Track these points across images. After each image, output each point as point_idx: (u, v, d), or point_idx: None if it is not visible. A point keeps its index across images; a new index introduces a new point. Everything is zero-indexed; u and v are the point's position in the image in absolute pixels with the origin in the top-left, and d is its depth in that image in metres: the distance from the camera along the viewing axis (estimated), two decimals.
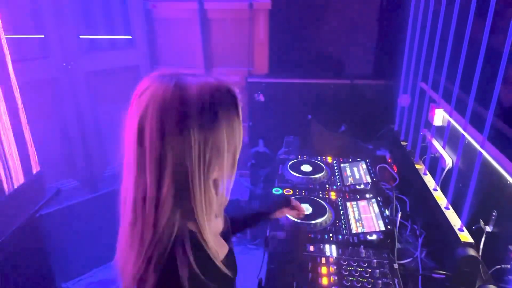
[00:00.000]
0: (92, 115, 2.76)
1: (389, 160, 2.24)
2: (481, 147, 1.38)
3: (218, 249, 0.88)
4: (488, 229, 1.48)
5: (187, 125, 0.74)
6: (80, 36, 2.58)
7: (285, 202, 1.45)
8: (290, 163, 2.08)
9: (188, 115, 0.75)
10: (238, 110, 0.82)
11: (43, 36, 2.45)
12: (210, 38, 2.86)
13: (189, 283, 0.76)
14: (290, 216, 1.58)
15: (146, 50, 2.95)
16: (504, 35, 1.21)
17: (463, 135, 1.53)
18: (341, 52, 2.77)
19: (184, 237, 0.79)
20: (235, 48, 2.84)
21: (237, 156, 0.85)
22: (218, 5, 2.77)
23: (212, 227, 0.88)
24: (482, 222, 1.51)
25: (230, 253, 0.97)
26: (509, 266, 1.28)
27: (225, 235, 1.01)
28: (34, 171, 2.18)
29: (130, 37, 2.86)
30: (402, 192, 1.91)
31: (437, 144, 1.93)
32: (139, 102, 0.78)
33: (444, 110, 1.86)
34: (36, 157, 2.21)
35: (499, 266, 1.30)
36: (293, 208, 1.46)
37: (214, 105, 0.77)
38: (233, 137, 0.82)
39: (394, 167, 2.15)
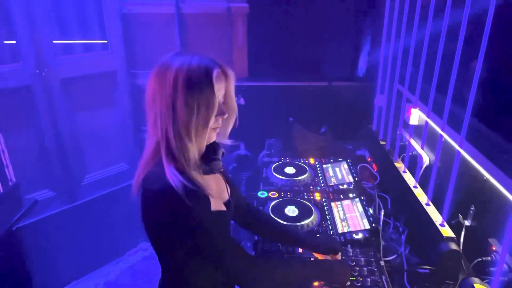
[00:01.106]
0: (68, 123, 2.69)
1: (369, 160, 2.30)
2: (460, 146, 1.44)
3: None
4: (467, 223, 1.54)
5: (176, 84, 0.96)
6: (54, 42, 2.51)
7: (335, 250, 1.37)
8: (274, 165, 2.10)
9: (169, 77, 0.97)
10: (212, 83, 0.98)
11: (14, 42, 2.37)
12: (188, 42, 2.84)
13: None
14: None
15: (123, 54, 2.90)
16: (479, 37, 1.26)
17: (441, 135, 1.59)
18: (319, 54, 2.82)
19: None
20: (214, 52, 2.81)
21: (210, 119, 1.01)
22: (196, 9, 2.76)
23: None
24: (461, 217, 1.57)
25: (226, 214, 1.15)
26: (489, 258, 1.34)
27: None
28: (10, 183, 2.10)
29: (106, 41, 2.80)
30: (383, 190, 1.96)
31: (414, 143, 2.00)
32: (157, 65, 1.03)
33: (420, 110, 1.93)
34: (11, 168, 2.13)
35: (480, 259, 1.36)
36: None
37: (190, 75, 0.96)
38: (203, 103, 0.98)
39: (374, 166, 2.20)
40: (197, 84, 0.96)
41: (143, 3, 2.79)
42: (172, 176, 0.96)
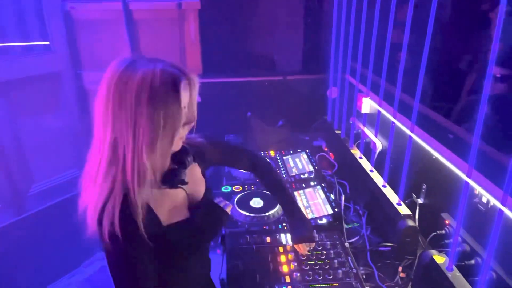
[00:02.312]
0: (10, 129, 2.50)
1: (326, 149, 2.38)
2: (411, 131, 1.54)
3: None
4: (420, 201, 1.65)
5: (130, 100, 0.89)
6: None
7: (310, 239, 1.37)
8: None
9: (126, 91, 0.89)
10: (177, 93, 0.92)
11: None
12: (138, 40, 2.75)
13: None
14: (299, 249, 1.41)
15: (67, 55, 2.75)
16: (424, 29, 1.35)
17: (393, 122, 1.68)
18: (272, 49, 2.86)
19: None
20: (166, 49, 2.77)
21: (177, 130, 0.96)
22: (145, 5, 2.68)
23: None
24: (414, 196, 1.68)
25: (187, 223, 1.10)
26: (443, 231, 1.44)
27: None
28: None
29: (48, 42, 2.64)
30: (341, 177, 2.04)
31: (367, 131, 2.10)
32: (104, 80, 0.93)
33: (371, 99, 2.03)
34: None
35: (435, 233, 1.46)
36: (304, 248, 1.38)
37: (155, 90, 0.89)
38: (166, 119, 0.91)
39: (331, 154, 2.28)
40: (163, 99, 0.90)
41: (87, 0, 2.66)
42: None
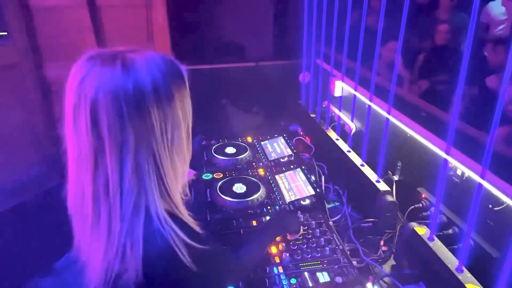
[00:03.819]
0: None
1: (301, 133, 2.42)
2: (388, 113, 1.59)
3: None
4: (396, 178, 1.73)
5: (146, 104, 0.74)
6: None
7: (298, 228, 1.45)
8: (214, 147, 2.09)
9: (145, 95, 0.74)
10: (185, 81, 0.84)
11: None
12: (103, 26, 2.64)
13: (190, 255, 0.77)
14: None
15: (26, 45, 2.59)
16: (400, 13, 1.39)
17: (370, 106, 1.73)
18: (242, 35, 2.84)
19: (162, 218, 0.77)
20: (133, 35, 2.68)
21: (190, 127, 0.87)
22: None
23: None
24: (390, 173, 1.75)
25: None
26: (420, 205, 1.52)
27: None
28: None
29: (6, 33, 2.47)
30: (319, 159, 2.08)
31: (340, 113, 2.15)
32: (83, 90, 0.73)
33: (343, 82, 2.08)
34: None
35: (413, 206, 1.53)
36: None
37: (167, 82, 0.77)
38: (186, 108, 0.84)
39: (307, 138, 2.32)
40: (181, 99, 0.81)
41: None
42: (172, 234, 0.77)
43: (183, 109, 0.82)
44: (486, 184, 1.10)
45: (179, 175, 0.84)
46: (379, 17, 1.55)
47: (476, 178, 1.13)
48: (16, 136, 2.66)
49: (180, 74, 0.83)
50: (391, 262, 1.47)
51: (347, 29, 1.85)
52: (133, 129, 0.73)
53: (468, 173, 1.28)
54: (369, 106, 1.74)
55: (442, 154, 1.25)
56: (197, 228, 0.85)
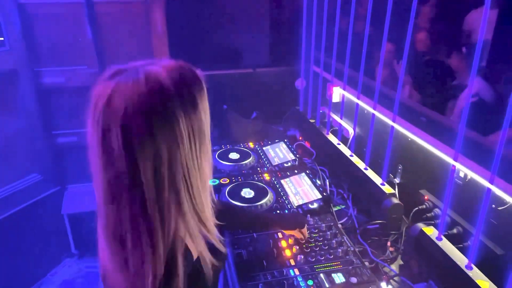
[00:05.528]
0: None
1: (300, 138, 2.47)
2: (393, 121, 1.66)
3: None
4: (397, 181, 1.80)
5: (174, 114, 0.74)
6: None
7: (302, 224, 1.48)
8: (218, 153, 2.12)
9: (172, 105, 0.74)
10: (204, 86, 0.82)
11: None
12: (102, 34, 2.64)
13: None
14: (298, 237, 1.52)
15: (24, 52, 2.57)
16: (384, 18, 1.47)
17: (374, 114, 1.80)
18: (240, 42, 2.89)
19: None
20: (132, 42, 2.69)
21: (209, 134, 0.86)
22: None
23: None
24: (391, 176, 1.82)
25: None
26: (424, 206, 1.59)
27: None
28: None
29: (2, 38, 2.45)
30: (321, 164, 2.14)
31: (338, 119, 2.21)
32: (112, 112, 0.72)
33: (345, 90, 2.15)
34: None
35: (417, 208, 1.60)
36: (302, 232, 1.49)
37: (190, 89, 0.77)
38: (207, 113, 0.83)
39: (307, 143, 2.38)
40: (203, 104, 0.80)
41: None
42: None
43: (205, 113, 0.82)
44: (493, 188, 1.18)
45: (207, 184, 0.84)
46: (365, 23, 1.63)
47: (484, 182, 1.20)
48: (15, 142, 2.63)
49: (199, 80, 0.82)
50: (399, 262, 1.53)
51: (349, 39, 1.92)
52: (165, 142, 0.73)
53: (472, 175, 1.35)
54: (373, 114, 1.81)
55: (447, 159, 1.32)
56: (222, 249, 0.89)
